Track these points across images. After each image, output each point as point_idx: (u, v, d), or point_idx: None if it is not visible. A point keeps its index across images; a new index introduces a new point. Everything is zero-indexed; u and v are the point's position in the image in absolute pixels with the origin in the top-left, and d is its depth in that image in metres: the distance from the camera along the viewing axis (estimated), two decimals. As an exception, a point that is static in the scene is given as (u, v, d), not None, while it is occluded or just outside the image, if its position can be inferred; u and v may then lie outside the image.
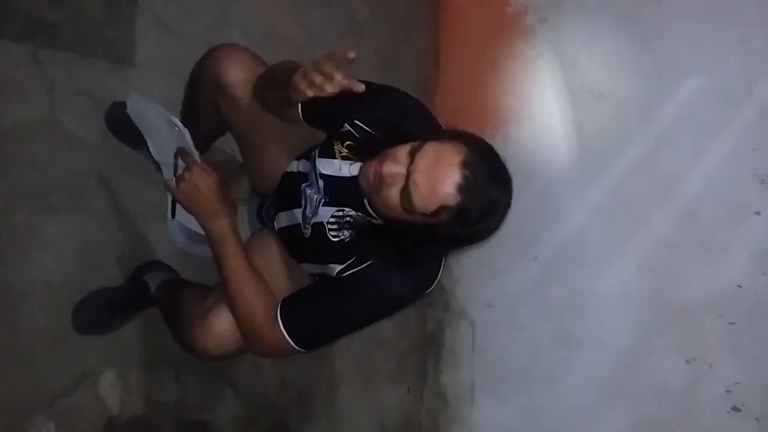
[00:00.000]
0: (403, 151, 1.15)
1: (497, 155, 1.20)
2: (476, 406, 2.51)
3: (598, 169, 2.31)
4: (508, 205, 1.20)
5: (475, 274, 2.56)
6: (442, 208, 1.12)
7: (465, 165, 1.11)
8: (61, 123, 1.63)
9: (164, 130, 1.34)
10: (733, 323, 2.01)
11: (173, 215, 1.40)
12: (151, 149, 1.43)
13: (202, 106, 1.50)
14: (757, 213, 2.00)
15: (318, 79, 1.13)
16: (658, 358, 2.15)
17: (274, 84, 1.33)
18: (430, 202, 1.12)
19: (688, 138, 2.14)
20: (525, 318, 2.42)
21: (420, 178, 1.11)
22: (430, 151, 1.13)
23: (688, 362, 2.08)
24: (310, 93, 1.17)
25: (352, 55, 1.14)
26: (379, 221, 1.29)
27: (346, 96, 1.34)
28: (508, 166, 1.21)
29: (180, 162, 1.33)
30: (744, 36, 2.04)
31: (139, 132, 1.70)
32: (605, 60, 2.30)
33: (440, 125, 1.40)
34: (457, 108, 2.64)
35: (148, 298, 1.66)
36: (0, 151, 1.55)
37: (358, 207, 1.32)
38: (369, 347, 2.40)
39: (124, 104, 1.69)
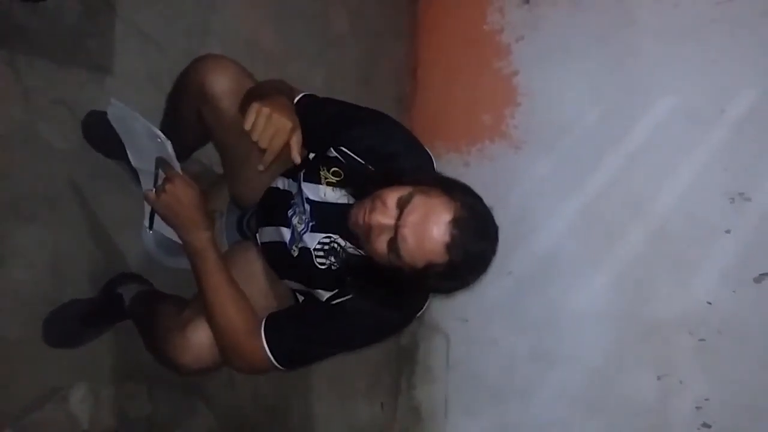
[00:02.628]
0: (392, 200, 1.16)
1: (485, 208, 1.21)
2: (450, 421, 2.51)
3: (572, 185, 2.34)
4: (494, 252, 1.22)
5: (450, 289, 2.56)
6: (429, 265, 1.14)
7: (454, 223, 1.12)
8: (37, 131, 1.59)
9: (145, 140, 1.32)
10: (704, 340, 2.05)
11: (151, 226, 1.38)
12: (130, 158, 1.40)
13: (185, 115, 1.48)
14: (728, 231, 2.04)
15: (264, 137, 1.20)
16: (630, 374, 2.18)
17: (256, 96, 1.32)
18: (417, 258, 1.14)
19: (661, 156, 2.18)
20: (499, 333, 2.43)
21: (408, 233, 1.13)
22: (419, 205, 1.14)
23: (659, 378, 2.11)
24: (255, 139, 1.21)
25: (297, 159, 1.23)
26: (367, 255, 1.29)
27: (335, 121, 1.35)
28: (495, 216, 1.23)
29: (161, 172, 1.31)
30: (716, 57, 2.09)
31: (116, 142, 1.66)
32: (580, 78, 2.33)
33: (429, 158, 1.40)
34: (434, 123, 2.66)
35: (122, 310, 1.62)
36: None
37: (346, 235, 1.33)
38: (343, 361, 2.37)
39: (100, 113, 1.67)
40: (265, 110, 1.18)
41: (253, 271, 1.50)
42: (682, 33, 2.16)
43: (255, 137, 1.19)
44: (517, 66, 2.49)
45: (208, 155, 1.81)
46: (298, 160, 1.22)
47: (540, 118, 2.43)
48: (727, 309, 2.02)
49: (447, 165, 2.61)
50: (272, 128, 1.19)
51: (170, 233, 1.36)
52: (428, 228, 1.12)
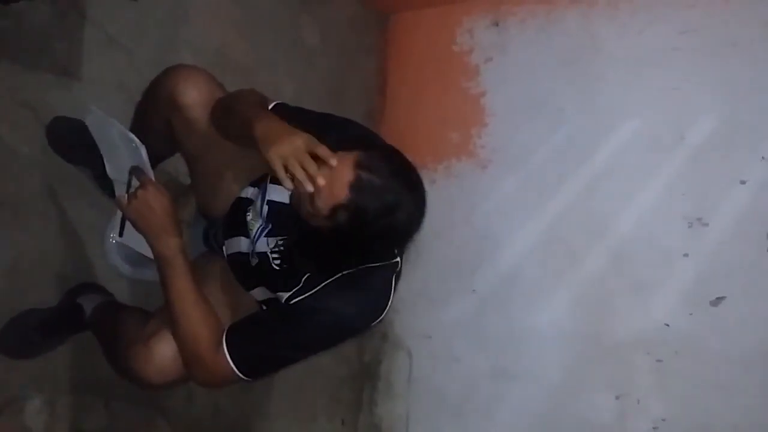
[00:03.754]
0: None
1: (402, 158, 1.21)
2: (410, 438, 2.51)
3: (536, 205, 2.38)
4: (416, 205, 1.19)
5: (414, 305, 2.57)
6: (337, 207, 1.14)
7: (359, 165, 1.13)
8: (0, 133, 1.56)
9: (120, 147, 1.30)
10: (661, 361, 2.09)
11: (121, 234, 1.35)
12: (106, 166, 1.39)
13: (154, 125, 1.46)
14: (685, 255, 2.09)
15: (299, 174, 1.13)
16: (589, 393, 2.21)
17: (235, 117, 1.31)
18: (326, 202, 1.14)
19: (622, 180, 2.23)
20: (462, 350, 2.45)
21: (321, 181, 1.13)
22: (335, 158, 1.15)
23: (617, 398, 2.14)
24: (289, 186, 1.15)
25: (334, 162, 1.15)
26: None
27: (306, 127, 1.34)
28: (417, 171, 1.22)
29: (133, 179, 1.29)
30: (677, 84, 2.15)
31: (80, 148, 1.65)
32: (546, 101, 2.37)
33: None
34: (402, 139, 2.64)
35: (82, 321, 1.58)
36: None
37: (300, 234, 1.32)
38: (305, 376, 2.36)
39: (65, 119, 1.64)
40: (283, 152, 1.15)
41: (218, 283, 1.48)
42: (646, 59, 2.22)
43: (308, 186, 1.13)
44: (485, 86, 2.52)
45: (174, 166, 1.79)
46: (334, 163, 1.16)
47: (506, 138, 2.46)
48: (685, 331, 2.06)
49: (413, 182, 2.63)
50: (306, 161, 1.15)
51: (139, 241, 1.34)
52: (336, 171, 1.13)
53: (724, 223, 2.06)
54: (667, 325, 2.10)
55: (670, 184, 2.15)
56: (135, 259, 1.76)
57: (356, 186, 1.12)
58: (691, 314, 2.07)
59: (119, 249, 1.77)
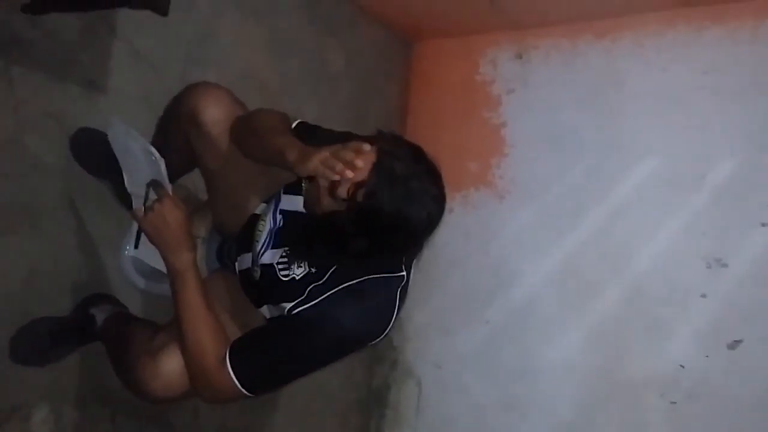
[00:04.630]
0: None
1: (425, 154, 1.22)
2: (416, 468, 2.48)
3: (553, 238, 2.36)
4: (434, 201, 1.18)
5: (426, 334, 2.55)
6: (358, 186, 1.13)
7: (383, 151, 1.14)
8: (24, 143, 1.57)
9: (140, 160, 1.32)
10: (675, 403, 2.05)
11: (136, 246, 1.36)
12: (125, 178, 1.40)
13: (175, 140, 1.48)
14: (703, 296, 2.06)
15: (339, 166, 1.13)
16: (600, 431, 2.17)
17: (260, 141, 1.32)
18: (346, 184, 1.14)
19: (641, 217, 2.21)
20: (472, 381, 2.42)
21: (359, 163, 1.12)
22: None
23: (628, 438, 2.11)
24: (335, 177, 1.15)
25: (368, 147, 1.16)
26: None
27: (327, 143, 1.35)
28: (438, 167, 1.22)
29: (151, 192, 1.30)
30: (700, 123, 2.15)
31: (103, 160, 1.66)
32: (566, 134, 2.37)
33: None
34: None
35: (93, 332, 1.59)
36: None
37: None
38: (313, 399, 2.34)
39: (90, 130, 1.66)
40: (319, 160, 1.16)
41: (229, 300, 1.48)
42: (669, 97, 2.21)
43: (348, 173, 1.13)
44: (506, 117, 2.53)
45: (193, 181, 1.80)
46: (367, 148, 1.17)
47: (525, 170, 2.46)
48: (700, 373, 2.03)
49: (430, 209, 2.63)
50: (341, 155, 1.15)
51: (153, 255, 1.34)
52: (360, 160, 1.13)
53: (744, 265, 2.03)
54: (682, 367, 2.07)
55: (689, 223, 2.13)
56: (149, 272, 1.77)
57: (378, 168, 1.12)
58: (707, 357, 2.04)
59: (134, 262, 1.78)
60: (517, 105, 2.52)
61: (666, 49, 2.24)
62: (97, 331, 1.59)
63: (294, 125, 1.41)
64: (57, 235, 1.65)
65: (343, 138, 1.41)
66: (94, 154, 1.67)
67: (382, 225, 1.16)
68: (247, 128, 1.39)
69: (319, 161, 1.15)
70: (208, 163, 1.48)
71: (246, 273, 1.46)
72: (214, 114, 1.41)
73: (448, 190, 2.51)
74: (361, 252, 1.21)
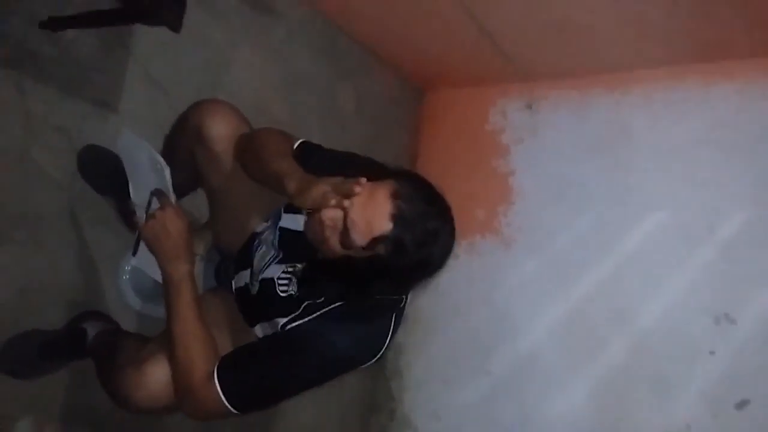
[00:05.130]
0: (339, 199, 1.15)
1: (432, 187, 1.20)
2: None
3: (558, 289, 2.33)
4: (450, 236, 1.19)
5: (425, 383, 2.50)
6: (378, 239, 1.12)
7: (397, 196, 1.12)
8: (31, 155, 1.59)
9: (147, 170, 1.32)
10: (681, 464, 1.98)
11: (134, 253, 1.35)
12: (131, 189, 1.40)
13: (180, 156, 1.48)
14: (711, 353, 2.01)
15: (337, 199, 1.14)
16: (602, 492, 2.09)
17: (262, 164, 1.32)
18: (366, 235, 1.12)
19: (648, 270, 2.18)
20: (471, 433, 2.35)
21: (355, 214, 1.12)
22: (365, 190, 1.14)
23: (632, 500, 2.02)
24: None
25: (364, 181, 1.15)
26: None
27: (328, 163, 1.35)
28: (446, 198, 1.21)
29: (154, 200, 1.30)
30: (708, 177, 2.13)
31: (109, 178, 1.67)
32: (574, 184, 2.36)
33: None
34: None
35: (84, 347, 1.56)
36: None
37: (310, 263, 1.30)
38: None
39: (98, 148, 1.68)
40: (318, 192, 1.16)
41: (222, 318, 1.45)
42: (677, 151, 2.21)
43: (357, 188, 1.14)
44: (514, 166, 2.53)
45: (193, 202, 1.79)
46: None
47: (532, 218, 2.45)
48: (707, 433, 1.96)
49: (435, 255, 2.61)
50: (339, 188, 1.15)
51: (151, 264, 1.33)
52: (373, 203, 1.12)
53: (753, 322, 1.99)
54: (689, 427, 1.99)
55: (697, 277, 2.10)
56: (146, 294, 1.75)
57: (397, 217, 1.11)
58: (714, 417, 1.97)
59: (132, 282, 1.77)
60: (525, 154, 2.53)
61: (675, 103, 2.25)
62: (88, 347, 1.56)
63: (297, 145, 1.41)
64: (56, 248, 1.64)
65: (347, 160, 1.42)
66: (101, 171, 1.68)
67: (405, 269, 1.16)
68: (249, 148, 1.39)
69: (318, 195, 1.15)
70: (211, 179, 1.48)
71: (242, 290, 1.44)
72: (220, 131, 1.42)
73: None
74: (383, 291, 1.24)
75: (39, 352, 1.54)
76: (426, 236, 1.13)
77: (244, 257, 1.47)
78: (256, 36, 2.14)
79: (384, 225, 1.11)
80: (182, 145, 1.47)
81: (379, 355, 1.30)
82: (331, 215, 1.14)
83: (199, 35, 1.94)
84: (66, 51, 1.64)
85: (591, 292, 2.28)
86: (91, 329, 1.58)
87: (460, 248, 2.54)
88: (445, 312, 2.53)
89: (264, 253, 1.40)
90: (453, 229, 1.20)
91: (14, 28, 1.55)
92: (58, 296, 1.64)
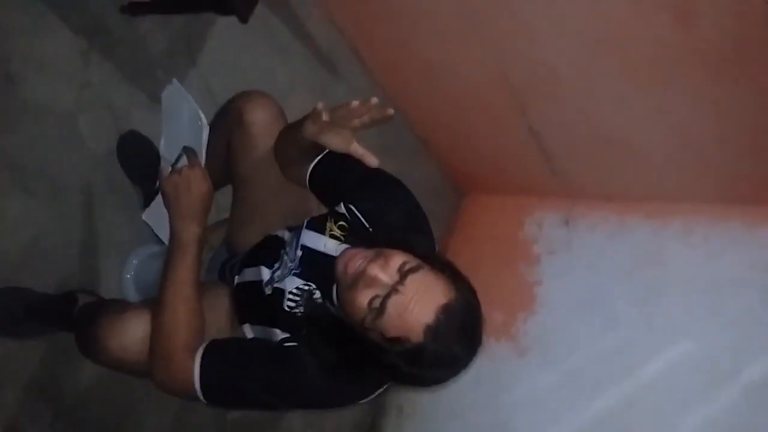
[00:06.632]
0: (396, 262, 1.10)
1: (479, 313, 1.15)
2: None
3: (567, 409, 2.20)
4: (466, 366, 1.13)
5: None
6: (401, 339, 1.06)
7: (445, 309, 1.06)
8: (77, 121, 1.62)
9: (184, 125, 1.33)
10: None
11: (146, 206, 1.33)
12: (162, 142, 1.41)
13: (217, 140, 1.49)
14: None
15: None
16: None
17: (293, 132, 1.34)
18: (394, 327, 1.07)
19: (664, 402, 2.06)
20: None
21: (400, 299, 1.06)
22: (425, 278, 1.09)
23: None
24: (326, 117, 1.19)
25: (390, 112, 1.19)
26: (336, 313, 1.21)
27: (353, 177, 1.34)
28: (484, 328, 1.16)
29: (183, 159, 1.29)
30: (739, 316, 2.04)
31: (143, 167, 1.69)
32: (601, 303, 2.29)
33: (434, 241, 1.37)
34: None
35: (71, 315, 1.49)
36: (11, 113, 1.53)
37: (325, 290, 1.25)
38: None
39: (141, 135, 1.72)
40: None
41: (217, 311, 1.39)
42: (712, 286, 2.13)
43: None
44: (542, 276, 2.48)
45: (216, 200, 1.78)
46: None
47: (552, 331, 2.35)
48: None
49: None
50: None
51: (160, 223, 1.31)
52: (420, 303, 1.06)
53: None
54: None
55: (716, 417, 1.96)
56: (147, 293, 1.71)
57: (431, 330, 1.05)
58: None
59: (135, 279, 1.73)
60: (556, 266, 2.47)
61: (715, 239, 2.20)
62: (75, 315, 1.49)
63: (326, 152, 1.39)
64: (71, 217, 1.64)
65: (372, 173, 1.39)
66: (138, 158, 1.71)
67: (408, 375, 1.11)
68: (284, 130, 1.41)
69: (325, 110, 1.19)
70: (241, 167, 1.47)
71: (246, 285, 1.38)
72: (260, 116, 1.43)
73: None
74: (374, 375, 1.20)
75: (26, 310, 1.50)
76: (446, 359, 1.09)
77: (257, 254, 1.43)
78: (315, 87, 2.22)
79: (415, 333, 1.06)
80: (220, 129, 1.48)
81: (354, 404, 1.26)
82: (376, 276, 1.09)
83: (262, 67, 2.03)
84: (137, 40, 1.73)
85: (600, 418, 2.13)
86: (83, 298, 1.53)
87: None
88: (443, 413, 2.39)
89: (287, 262, 1.35)
90: (474, 358, 1.14)
91: (96, 3, 1.65)
92: (58, 264, 1.61)
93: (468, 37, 2.11)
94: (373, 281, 1.09)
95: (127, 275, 1.74)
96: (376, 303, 1.08)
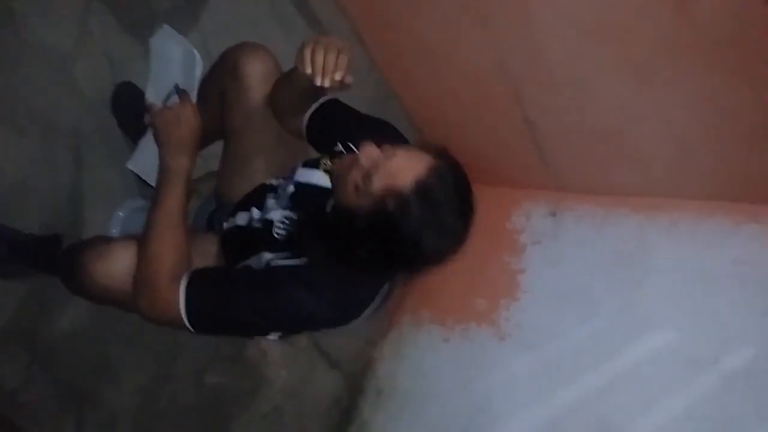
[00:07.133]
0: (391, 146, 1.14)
1: (468, 183, 1.16)
2: None
3: (544, 393, 2.22)
4: (454, 241, 1.14)
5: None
6: (392, 191, 1.06)
7: (433, 169, 1.08)
8: (74, 66, 1.63)
9: (176, 65, 1.34)
10: None
11: (133, 150, 1.34)
12: (148, 87, 1.42)
13: (210, 91, 1.50)
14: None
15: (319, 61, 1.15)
16: None
17: (290, 77, 1.35)
18: (386, 178, 1.07)
19: (641, 390, 2.07)
20: None
21: (389, 163, 1.08)
22: (411, 150, 1.12)
23: None
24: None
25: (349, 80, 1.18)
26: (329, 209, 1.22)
27: (351, 122, 1.36)
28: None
29: (173, 97, 1.30)
30: (721, 307, 2.06)
31: (135, 119, 1.69)
32: (583, 291, 2.31)
33: None
34: (428, 292, 2.60)
35: (54, 255, 1.49)
36: (10, 52, 1.54)
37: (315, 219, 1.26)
38: None
39: (136, 87, 1.72)
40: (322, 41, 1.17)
41: (206, 254, 1.40)
42: (694, 279, 2.15)
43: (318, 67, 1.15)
44: (526, 265, 2.49)
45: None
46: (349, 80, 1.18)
47: (533, 317, 2.36)
48: None
49: (425, 335, 2.53)
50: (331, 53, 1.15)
51: (147, 167, 1.32)
52: (409, 161, 1.08)
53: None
54: None
55: (693, 406, 1.97)
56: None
57: (420, 183, 1.06)
58: None
59: (122, 232, 1.73)
60: (540, 256, 2.49)
61: (700, 234, 2.22)
62: (59, 255, 1.49)
63: (326, 99, 1.41)
64: (61, 161, 1.64)
65: (378, 125, 1.41)
66: (131, 109, 1.71)
67: (394, 239, 1.09)
68: (280, 79, 1.42)
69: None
70: (234, 119, 1.49)
71: (234, 229, 1.40)
72: (255, 67, 1.44)
73: (450, 321, 2.46)
74: (359, 260, 1.15)
75: (9, 249, 1.50)
76: (434, 222, 1.08)
77: (247, 201, 1.44)
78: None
79: (406, 180, 1.05)
80: (215, 79, 1.50)
81: (349, 324, 1.24)
82: (370, 154, 1.11)
83: (263, 36, 2.04)
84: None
85: (576, 403, 2.15)
86: (68, 240, 1.53)
87: (454, 332, 2.46)
88: (423, 394, 2.39)
89: (275, 200, 1.37)
90: (462, 236, 1.16)
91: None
92: (44, 208, 1.61)
93: (468, 23, 2.14)
94: (370, 153, 1.11)
95: (113, 229, 1.74)
96: (371, 166, 1.09)
